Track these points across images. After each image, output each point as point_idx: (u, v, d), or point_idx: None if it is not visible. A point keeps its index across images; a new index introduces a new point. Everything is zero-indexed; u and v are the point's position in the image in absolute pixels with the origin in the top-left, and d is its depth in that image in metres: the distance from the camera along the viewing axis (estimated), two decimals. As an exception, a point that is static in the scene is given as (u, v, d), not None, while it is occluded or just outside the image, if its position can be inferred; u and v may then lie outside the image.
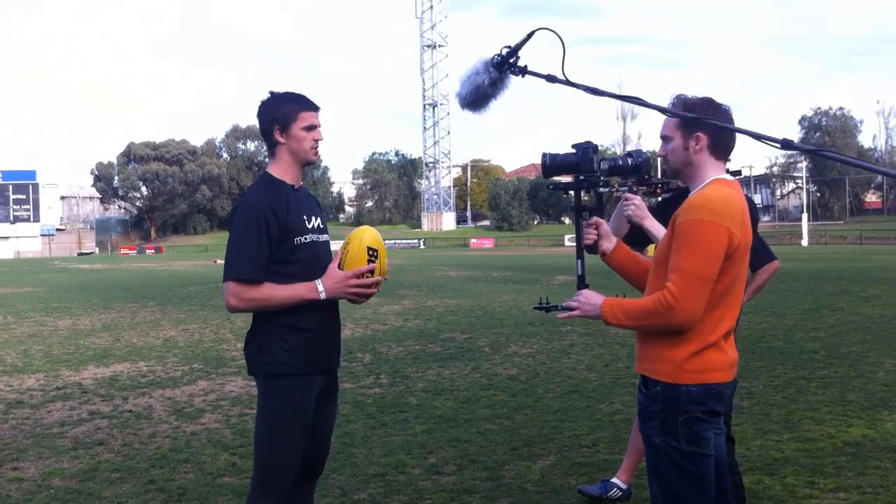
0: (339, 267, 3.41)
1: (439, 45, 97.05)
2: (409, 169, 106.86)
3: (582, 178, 3.23)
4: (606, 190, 3.58)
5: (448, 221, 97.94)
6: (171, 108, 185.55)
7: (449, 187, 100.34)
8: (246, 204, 3.37)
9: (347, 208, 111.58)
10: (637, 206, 3.73)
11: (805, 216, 66.72)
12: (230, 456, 5.94)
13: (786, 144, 2.40)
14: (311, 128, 3.41)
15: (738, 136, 3.15)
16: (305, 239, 3.40)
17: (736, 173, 4.27)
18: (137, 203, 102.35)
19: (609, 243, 3.29)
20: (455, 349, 10.98)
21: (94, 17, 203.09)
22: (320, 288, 3.34)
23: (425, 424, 6.79)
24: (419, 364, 9.84)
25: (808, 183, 79.01)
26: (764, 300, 15.38)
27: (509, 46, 2.71)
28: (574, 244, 3.34)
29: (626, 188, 3.71)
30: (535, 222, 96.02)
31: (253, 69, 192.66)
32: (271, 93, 3.46)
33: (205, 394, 8.26)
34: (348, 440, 6.32)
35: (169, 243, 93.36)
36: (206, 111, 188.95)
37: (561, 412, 7.13)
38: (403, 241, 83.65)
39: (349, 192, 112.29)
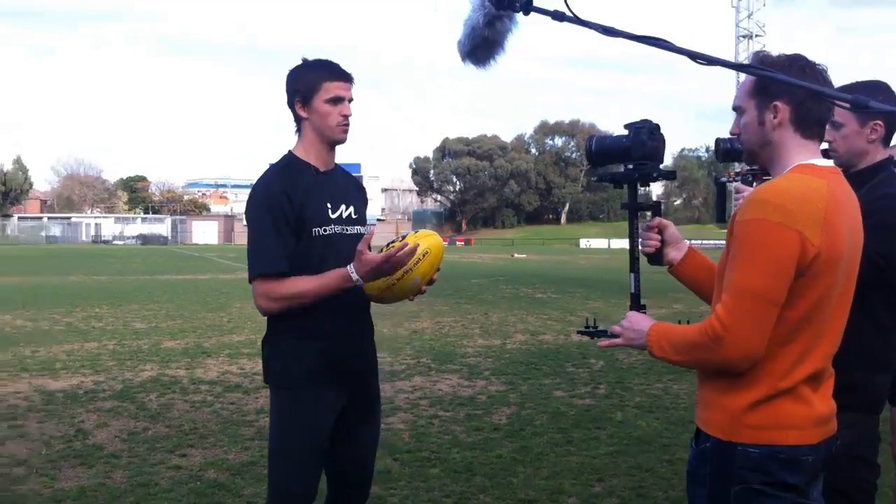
0: None
1: (756, 35, 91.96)
2: (719, 167, 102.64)
3: (632, 167, 2.53)
4: (725, 180, 2.86)
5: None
6: (480, 101, 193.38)
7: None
8: (256, 192, 2.97)
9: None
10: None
11: None
12: (393, 462, 5.65)
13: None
14: (338, 100, 2.94)
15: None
16: (324, 230, 2.97)
17: None
18: (451, 196, 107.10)
19: (677, 252, 2.58)
20: (700, 361, 10.00)
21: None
22: (354, 274, 2.86)
23: (615, 446, 6.10)
24: (650, 375, 9.06)
25: None
26: None
27: None
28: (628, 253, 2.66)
29: (740, 178, 2.93)
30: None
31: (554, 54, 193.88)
32: (303, 59, 3.02)
33: (412, 391, 8.09)
34: (519, 456, 5.81)
35: (478, 236, 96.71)
36: (516, 105, 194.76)
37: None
38: (710, 242, 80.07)
39: (656, 190, 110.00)
